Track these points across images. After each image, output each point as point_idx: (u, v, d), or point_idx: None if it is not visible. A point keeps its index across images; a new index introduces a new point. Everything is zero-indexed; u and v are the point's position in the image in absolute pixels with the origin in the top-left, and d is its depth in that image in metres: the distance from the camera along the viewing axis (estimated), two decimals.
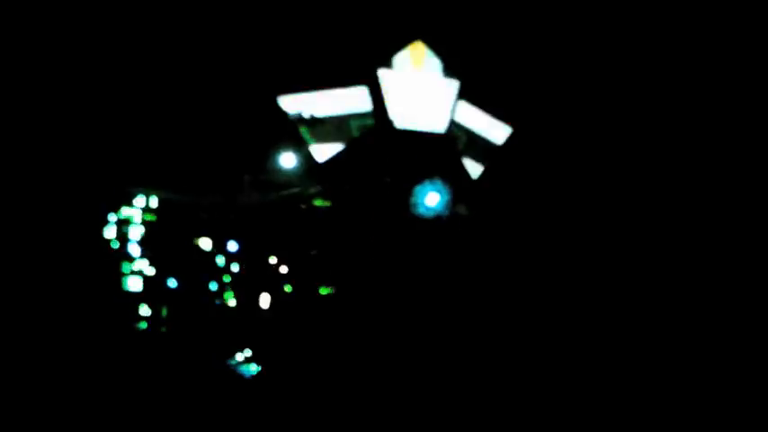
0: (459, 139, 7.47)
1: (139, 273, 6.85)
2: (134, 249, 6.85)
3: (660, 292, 7.41)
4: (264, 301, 6.99)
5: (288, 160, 7.07)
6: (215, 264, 6.96)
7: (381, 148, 7.29)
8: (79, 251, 6.70)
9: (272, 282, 7.03)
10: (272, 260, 7.05)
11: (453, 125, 7.53)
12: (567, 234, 7.57)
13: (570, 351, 7.26)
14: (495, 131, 7.70)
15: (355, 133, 7.26)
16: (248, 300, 6.99)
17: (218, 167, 7.01)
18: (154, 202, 6.83)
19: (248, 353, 6.94)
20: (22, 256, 6.48)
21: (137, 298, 6.83)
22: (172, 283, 6.82)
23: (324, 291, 7.04)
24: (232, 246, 6.94)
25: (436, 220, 7.24)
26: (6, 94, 6.50)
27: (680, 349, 7.20)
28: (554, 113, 7.73)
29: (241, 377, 6.86)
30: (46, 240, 6.57)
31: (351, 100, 7.25)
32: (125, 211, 6.85)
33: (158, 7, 6.84)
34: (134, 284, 6.84)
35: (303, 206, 7.08)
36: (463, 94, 7.56)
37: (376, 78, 7.31)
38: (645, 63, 7.63)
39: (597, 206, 7.63)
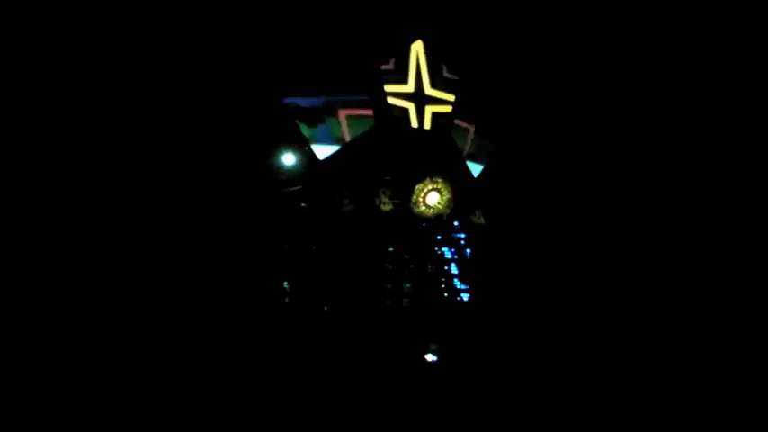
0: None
1: None
2: None
3: (659, 291, 7.50)
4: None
5: (288, 159, 7.05)
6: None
7: (382, 147, 7.28)
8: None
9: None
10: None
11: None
12: (569, 234, 7.65)
13: (570, 350, 7.34)
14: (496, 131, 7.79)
15: (355, 132, 7.24)
16: None
17: (221, 166, 6.99)
18: None
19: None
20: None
21: None
22: None
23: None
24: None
25: (437, 220, 7.26)
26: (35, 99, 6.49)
27: (679, 348, 7.27)
28: (554, 113, 7.80)
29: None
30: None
31: (351, 98, 7.26)
32: None
33: (160, 8, 6.82)
34: None
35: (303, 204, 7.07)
36: (463, 94, 7.63)
37: (377, 77, 7.32)
38: (644, 64, 7.72)
39: (597, 206, 7.70)
